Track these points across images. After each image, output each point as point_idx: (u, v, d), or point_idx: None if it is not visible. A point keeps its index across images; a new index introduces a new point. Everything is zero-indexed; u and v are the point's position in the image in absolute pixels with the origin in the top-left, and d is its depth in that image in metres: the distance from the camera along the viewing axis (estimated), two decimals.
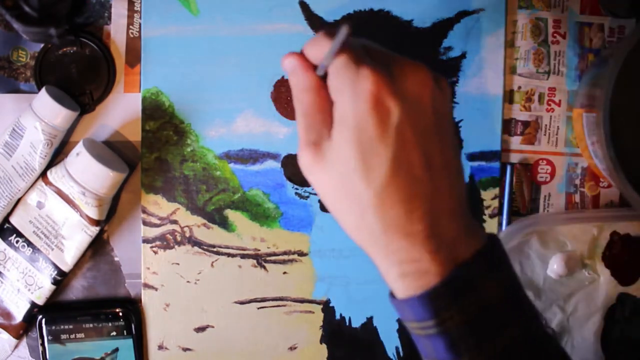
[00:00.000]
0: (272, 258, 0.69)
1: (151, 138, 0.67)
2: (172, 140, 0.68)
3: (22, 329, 0.67)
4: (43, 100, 0.62)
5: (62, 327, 0.66)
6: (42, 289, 0.65)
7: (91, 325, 0.67)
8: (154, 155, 0.68)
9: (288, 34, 0.67)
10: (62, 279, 0.66)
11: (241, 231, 0.68)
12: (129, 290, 0.68)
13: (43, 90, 0.63)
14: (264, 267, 0.69)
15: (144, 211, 0.68)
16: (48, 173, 0.64)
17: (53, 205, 0.64)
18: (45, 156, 0.63)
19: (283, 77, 0.67)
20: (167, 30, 0.67)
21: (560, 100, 0.68)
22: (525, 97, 0.68)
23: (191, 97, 0.67)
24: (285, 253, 0.69)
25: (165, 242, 0.68)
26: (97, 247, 0.68)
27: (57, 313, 0.67)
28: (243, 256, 0.69)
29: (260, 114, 0.68)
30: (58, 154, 0.66)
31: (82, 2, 0.66)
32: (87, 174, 0.62)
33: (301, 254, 0.69)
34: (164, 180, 0.68)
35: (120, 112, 0.67)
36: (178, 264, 0.68)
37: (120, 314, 0.67)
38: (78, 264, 0.67)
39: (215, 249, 0.68)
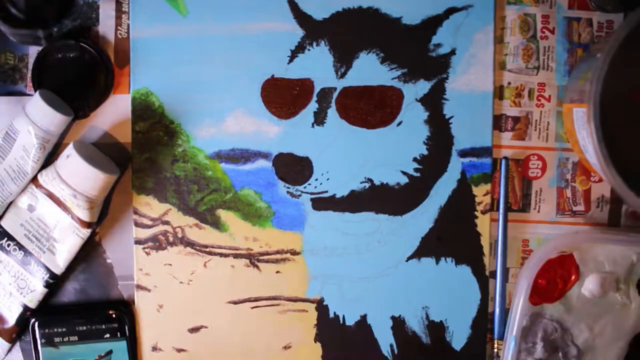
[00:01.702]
0: (265, 257, 0.69)
1: (141, 139, 0.67)
2: (162, 141, 0.67)
3: (15, 333, 0.66)
4: (37, 104, 0.62)
5: (55, 330, 0.66)
6: (34, 292, 0.65)
7: (84, 327, 0.66)
8: (144, 156, 0.67)
9: (277, 33, 0.67)
10: (54, 282, 0.65)
11: (233, 231, 0.68)
12: (121, 292, 0.68)
13: (37, 94, 0.62)
14: (257, 267, 0.69)
15: (136, 212, 0.68)
16: (39, 176, 0.63)
17: (44, 208, 0.63)
18: (38, 160, 0.63)
19: (273, 75, 0.67)
20: (156, 31, 0.67)
21: (550, 96, 0.68)
22: (515, 93, 0.68)
23: (181, 97, 0.67)
24: (278, 252, 0.69)
25: (157, 243, 0.68)
26: (89, 250, 0.68)
27: (50, 316, 0.66)
28: (236, 256, 0.68)
29: (250, 113, 0.68)
30: (50, 157, 0.65)
31: (69, 4, 0.65)
32: (77, 176, 0.62)
33: (294, 252, 0.69)
34: (155, 181, 0.68)
35: (110, 113, 0.67)
36: (171, 264, 0.68)
37: (114, 315, 0.67)
38: (70, 267, 0.66)
39: (207, 249, 0.68)
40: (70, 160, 0.62)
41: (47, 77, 0.66)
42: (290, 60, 0.67)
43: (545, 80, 0.68)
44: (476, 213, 0.68)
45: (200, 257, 0.68)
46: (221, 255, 0.68)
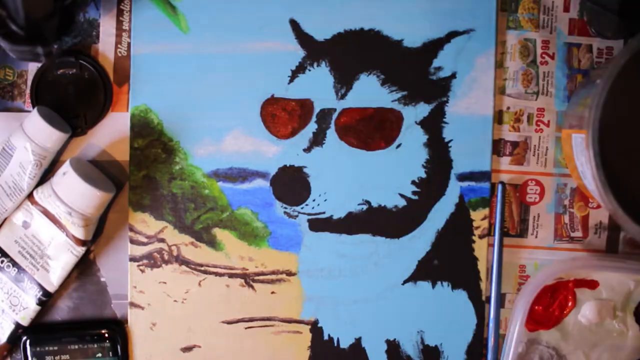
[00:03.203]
0: (260, 277, 0.68)
1: (139, 155, 0.67)
2: (160, 158, 0.67)
3: (6, 350, 0.66)
4: (34, 121, 0.62)
5: (46, 348, 0.66)
6: (26, 309, 0.65)
7: (76, 346, 0.66)
8: (142, 172, 0.67)
9: (278, 52, 0.67)
10: (47, 300, 0.65)
11: (229, 250, 0.68)
12: (115, 311, 0.68)
13: (35, 111, 0.62)
14: (252, 287, 0.68)
15: (131, 229, 0.67)
16: (34, 192, 0.63)
17: (39, 225, 0.63)
18: (34, 177, 0.63)
19: (273, 95, 0.67)
20: (157, 48, 0.67)
21: (549, 121, 0.68)
22: (514, 118, 0.68)
23: (180, 115, 0.67)
24: (273, 273, 0.68)
25: (152, 261, 0.68)
26: (84, 268, 0.67)
27: (42, 334, 0.66)
28: (231, 275, 0.68)
29: (249, 133, 0.67)
30: (47, 173, 0.65)
31: (70, 21, 0.65)
32: (73, 194, 0.61)
33: (289, 273, 0.68)
34: (151, 198, 0.67)
35: (108, 131, 0.67)
36: (165, 282, 0.68)
37: (106, 334, 0.66)
38: (64, 285, 0.66)
39: (202, 268, 0.68)
40: (67, 178, 0.62)
41: (46, 93, 0.66)
42: (291, 80, 0.67)
43: (544, 106, 0.68)
44: (473, 238, 0.68)
45: (195, 276, 0.68)
46: (216, 274, 0.68)
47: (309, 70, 0.67)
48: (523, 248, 0.68)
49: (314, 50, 0.67)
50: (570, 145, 0.63)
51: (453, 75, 0.67)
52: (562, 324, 0.67)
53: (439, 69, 0.67)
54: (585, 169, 0.59)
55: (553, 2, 0.67)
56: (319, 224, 0.68)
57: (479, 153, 0.67)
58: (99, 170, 0.66)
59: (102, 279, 0.68)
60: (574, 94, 0.67)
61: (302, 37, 0.67)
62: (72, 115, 0.66)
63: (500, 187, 0.67)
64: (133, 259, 0.68)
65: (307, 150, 0.67)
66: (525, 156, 0.68)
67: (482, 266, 0.68)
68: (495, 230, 0.68)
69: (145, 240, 0.68)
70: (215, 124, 0.67)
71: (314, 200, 0.68)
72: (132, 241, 0.68)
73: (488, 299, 0.68)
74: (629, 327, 0.67)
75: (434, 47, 0.67)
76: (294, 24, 0.67)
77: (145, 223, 0.68)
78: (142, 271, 0.68)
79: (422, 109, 0.67)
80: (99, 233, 0.67)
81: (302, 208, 0.68)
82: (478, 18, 0.67)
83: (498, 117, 0.68)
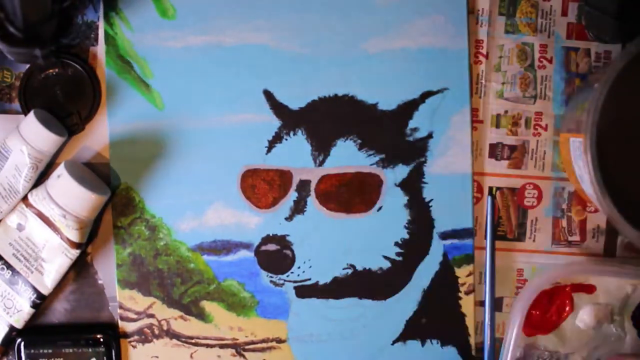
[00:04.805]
0: (251, 346, 0.69)
1: (124, 234, 0.67)
2: (144, 236, 0.67)
3: (0, 353, 0.66)
4: (31, 124, 0.62)
5: (41, 351, 0.65)
6: (21, 312, 0.65)
7: (70, 350, 0.66)
8: (127, 250, 0.67)
9: (254, 123, 0.67)
10: (41, 303, 0.65)
11: (218, 321, 0.68)
12: (112, 313, 0.68)
13: (31, 114, 0.62)
14: (244, 356, 0.69)
15: (121, 306, 0.68)
16: (29, 195, 0.63)
17: (33, 227, 0.63)
18: (30, 180, 0.63)
19: (251, 166, 0.67)
20: (133, 126, 0.66)
21: (547, 125, 0.68)
22: (512, 122, 0.67)
23: (161, 192, 0.67)
24: (263, 341, 0.69)
25: (143, 336, 0.68)
26: (81, 270, 0.67)
27: (37, 337, 0.66)
28: (222, 346, 0.68)
29: (230, 205, 0.67)
30: (42, 176, 0.65)
31: (68, 23, 0.65)
32: (68, 197, 0.61)
33: (280, 340, 0.69)
34: (138, 275, 0.68)
35: (102, 133, 0.66)
36: (157, 357, 0.68)
37: (101, 339, 0.66)
38: (61, 287, 0.66)
39: (193, 341, 0.68)
40: (61, 180, 0.61)
41: (34, 98, 0.66)
42: (268, 151, 0.67)
43: (542, 110, 0.68)
44: (460, 294, 0.68)
45: (186, 349, 0.68)
46: (207, 346, 0.68)
47: (286, 139, 0.67)
48: (520, 252, 0.68)
49: (290, 119, 0.67)
50: (568, 149, 0.63)
51: (430, 136, 0.67)
52: (560, 329, 0.67)
53: (415, 129, 0.67)
54: (583, 172, 0.59)
55: (551, 6, 0.67)
56: (305, 291, 0.68)
57: (460, 211, 0.68)
58: (93, 173, 0.66)
59: (100, 282, 0.68)
60: (571, 98, 0.67)
61: (277, 107, 0.67)
62: (65, 114, 0.66)
63: (489, 199, 0.67)
64: (124, 336, 0.68)
65: (289, 218, 0.67)
66: (523, 160, 0.68)
67: (470, 322, 0.68)
68: (487, 245, 0.68)
69: (134, 316, 0.68)
70: (196, 198, 0.67)
71: (299, 268, 0.68)
72: (122, 318, 0.68)
73: (478, 351, 0.69)
74: (626, 331, 0.67)
75: (409, 108, 0.67)
76: (268, 95, 0.67)
77: (134, 300, 0.68)
78: (134, 347, 0.68)
79: (401, 171, 0.67)
80: (94, 235, 0.67)
81: (287, 276, 0.68)
82: (451, 77, 0.67)
83: (496, 121, 0.68)
